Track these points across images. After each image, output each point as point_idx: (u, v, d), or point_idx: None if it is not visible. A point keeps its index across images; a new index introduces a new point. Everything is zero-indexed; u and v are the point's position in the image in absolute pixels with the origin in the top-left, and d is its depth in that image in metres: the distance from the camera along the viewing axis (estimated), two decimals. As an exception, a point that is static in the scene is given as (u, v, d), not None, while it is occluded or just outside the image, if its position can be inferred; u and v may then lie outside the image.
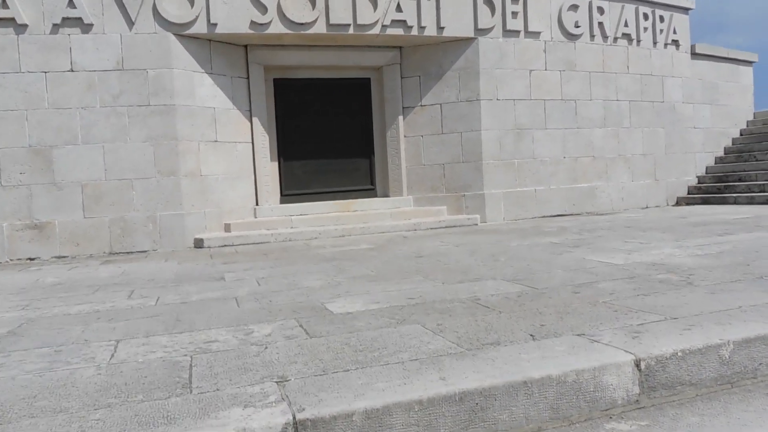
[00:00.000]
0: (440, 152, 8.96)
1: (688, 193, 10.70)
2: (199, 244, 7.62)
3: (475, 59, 8.78)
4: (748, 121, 11.90)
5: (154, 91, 7.52)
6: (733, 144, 11.54)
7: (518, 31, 9.02)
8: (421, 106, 9.01)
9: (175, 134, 7.62)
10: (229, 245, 7.58)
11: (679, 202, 10.50)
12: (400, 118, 9.08)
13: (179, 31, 7.58)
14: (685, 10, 10.73)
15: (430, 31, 8.53)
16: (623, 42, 9.90)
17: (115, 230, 7.48)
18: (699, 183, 10.83)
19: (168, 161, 7.61)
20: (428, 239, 6.88)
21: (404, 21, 8.36)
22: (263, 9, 7.78)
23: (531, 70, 9.11)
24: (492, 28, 8.83)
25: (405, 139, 9.11)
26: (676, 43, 10.58)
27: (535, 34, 9.13)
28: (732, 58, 11.56)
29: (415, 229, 8.24)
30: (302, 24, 7.95)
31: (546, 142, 9.24)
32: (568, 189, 9.42)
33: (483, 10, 8.75)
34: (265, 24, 7.82)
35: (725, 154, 11.35)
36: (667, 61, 10.43)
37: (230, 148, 8.25)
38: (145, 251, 7.53)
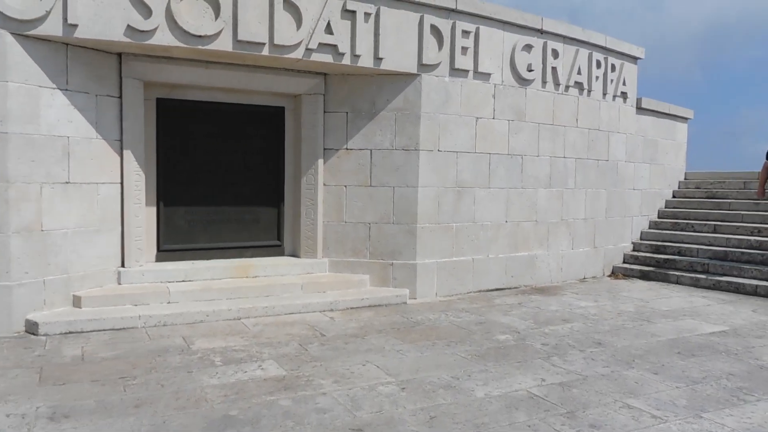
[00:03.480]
0: (366, 208, 7.31)
1: (624, 261, 9.82)
2: (32, 329, 5.46)
3: (416, 100, 7.21)
4: (680, 182, 11.33)
5: (-23, 109, 5.26)
6: (666, 207, 10.87)
7: (467, 71, 7.56)
8: (347, 149, 7.31)
9: (5, 174, 5.41)
10: (77, 332, 5.49)
11: (615, 272, 9.58)
12: (320, 161, 7.32)
13: (21, 29, 5.36)
14: (634, 59, 9.83)
15: (366, 61, 6.84)
16: (574, 91, 8.77)
17: None
18: (634, 251, 9.98)
19: (-8, 209, 5.38)
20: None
21: (335, 46, 6.61)
22: (146, 11, 5.72)
23: (478, 118, 7.70)
24: (438, 64, 7.30)
25: (324, 187, 7.36)
26: (624, 95, 9.65)
27: (485, 76, 7.72)
28: (672, 114, 10.89)
29: (332, 310, 6.55)
30: (200, 37, 5.97)
31: (488, 204, 7.87)
32: (507, 258, 8.12)
33: (430, 41, 7.19)
34: (149, 32, 5.76)
35: (659, 218, 10.64)
36: (614, 115, 9.46)
37: (89, 192, 6.09)
38: (-51, 336, 5.28)
